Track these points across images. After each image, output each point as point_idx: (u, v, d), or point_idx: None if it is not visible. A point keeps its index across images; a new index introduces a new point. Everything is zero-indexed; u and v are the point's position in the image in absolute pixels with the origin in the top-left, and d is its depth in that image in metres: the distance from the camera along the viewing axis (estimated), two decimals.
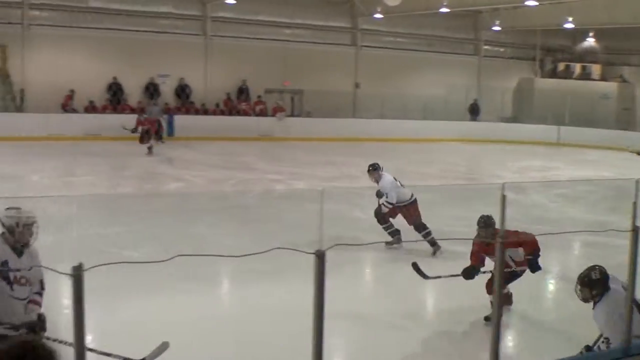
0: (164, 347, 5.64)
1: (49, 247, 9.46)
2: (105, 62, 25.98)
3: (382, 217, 10.46)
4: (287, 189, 16.45)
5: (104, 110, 25.83)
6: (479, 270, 7.36)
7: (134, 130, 20.68)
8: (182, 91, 27.58)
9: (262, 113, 28.51)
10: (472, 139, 28.68)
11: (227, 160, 21.36)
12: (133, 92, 26.60)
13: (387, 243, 10.27)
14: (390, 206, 10.41)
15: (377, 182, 10.56)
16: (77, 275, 3.20)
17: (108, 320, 6.70)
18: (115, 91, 26.27)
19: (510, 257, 7.20)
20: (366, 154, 21.97)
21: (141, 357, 5.41)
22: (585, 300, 5.75)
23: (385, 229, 10.42)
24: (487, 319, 7.16)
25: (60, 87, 24.86)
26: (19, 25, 25.10)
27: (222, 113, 28.03)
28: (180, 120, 25.94)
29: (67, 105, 25.33)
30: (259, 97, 28.72)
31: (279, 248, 3.85)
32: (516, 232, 7.00)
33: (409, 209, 10.46)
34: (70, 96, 25.36)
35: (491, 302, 6.85)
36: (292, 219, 11.60)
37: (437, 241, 10.17)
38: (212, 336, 6.71)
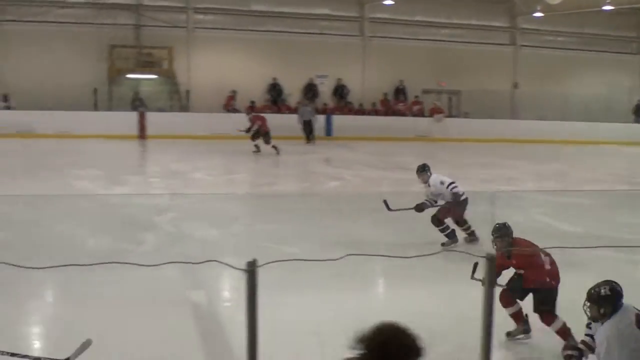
0: (86, 344, 5.52)
1: (214, 241, 9.86)
2: (265, 64, 26.66)
3: (437, 220, 10.08)
4: None
5: (263, 110, 26.46)
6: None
7: (248, 130, 20.82)
8: (340, 91, 27.85)
9: (419, 113, 28.32)
10: (636, 142, 27.25)
11: (384, 160, 21.35)
12: (293, 93, 27.14)
13: (443, 244, 9.83)
14: (435, 203, 10.16)
15: (426, 183, 10.23)
16: (251, 271, 3.26)
17: (268, 316, 6.81)
18: (275, 92, 26.89)
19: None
20: (527, 156, 21.49)
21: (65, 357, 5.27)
22: (594, 319, 5.07)
23: (442, 230, 10.07)
24: (509, 334, 6.63)
25: (223, 87, 25.78)
26: (184, 29, 26.25)
27: (379, 113, 28.06)
28: (337, 120, 26.23)
29: (229, 106, 26.19)
30: (416, 97, 28.57)
31: (446, 250, 3.78)
32: (529, 244, 6.62)
33: (457, 208, 10.14)
34: (232, 96, 26.21)
35: (511, 316, 6.56)
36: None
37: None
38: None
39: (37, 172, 15.90)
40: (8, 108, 24.11)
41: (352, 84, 28.05)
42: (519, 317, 6.62)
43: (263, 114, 21.76)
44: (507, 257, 6.39)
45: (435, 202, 10.16)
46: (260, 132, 20.46)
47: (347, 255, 3.74)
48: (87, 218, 10.64)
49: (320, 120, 25.23)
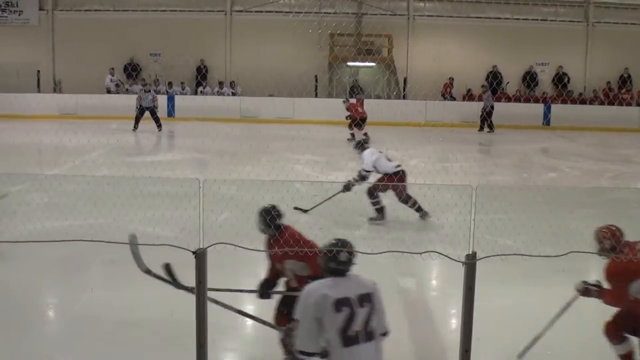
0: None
1: (429, 229, 9.93)
2: (484, 51, 26.32)
3: (370, 192, 10.67)
4: None
5: (481, 98, 26.12)
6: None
7: (348, 117, 20.82)
8: (561, 80, 26.87)
9: None
10: None
11: (604, 152, 20.44)
12: (512, 81, 26.57)
13: (371, 219, 10.59)
14: (367, 174, 10.81)
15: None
16: (471, 264, 3.30)
17: (482, 307, 6.79)
18: (493, 80, 26.43)
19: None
20: None
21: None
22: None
23: (373, 204, 10.65)
24: None
25: (440, 75, 25.73)
26: (404, 17, 26.44)
27: (602, 102, 26.79)
28: (556, 109, 25.36)
29: (446, 93, 26.10)
30: None
31: None
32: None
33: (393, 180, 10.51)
34: (450, 84, 26.09)
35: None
36: None
37: None
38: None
39: (259, 156, 16.71)
40: (234, 94, 25.54)
41: (573, 72, 26.98)
42: None
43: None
44: None
45: (365, 178, 10.81)
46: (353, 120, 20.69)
47: (570, 252, 3.67)
48: (305, 202, 11.05)
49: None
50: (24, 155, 17.49)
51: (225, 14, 26.94)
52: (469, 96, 26.27)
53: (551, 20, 26.83)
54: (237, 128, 22.26)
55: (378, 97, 25.61)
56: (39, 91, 26.71)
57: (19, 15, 27.91)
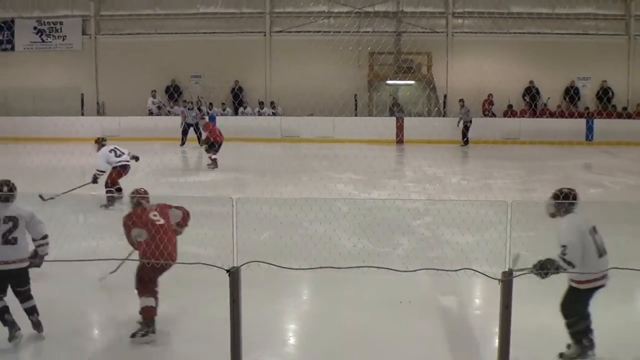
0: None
1: (469, 247, 9.86)
2: (524, 66, 26.12)
3: (106, 183, 13.59)
4: None
5: (522, 114, 25.93)
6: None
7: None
8: (605, 94, 26.53)
9: None
10: None
11: None
12: (553, 96, 26.33)
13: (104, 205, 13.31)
14: (101, 174, 13.63)
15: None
16: (507, 282, 3.31)
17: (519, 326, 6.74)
18: (532, 95, 26.24)
19: None
20: None
21: None
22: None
23: (109, 192, 13.36)
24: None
25: (480, 91, 25.64)
26: (443, 34, 26.44)
27: None
28: (599, 124, 25.07)
29: (486, 110, 25.98)
30: None
31: None
32: None
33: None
34: (489, 100, 25.96)
35: None
36: None
37: None
38: None
39: (300, 175, 16.79)
40: (275, 114, 25.71)
41: (615, 86, 26.64)
42: None
43: None
44: None
45: (103, 171, 13.62)
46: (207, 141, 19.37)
47: (612, 268, 3.64)
48: (345, 220, 11.07)
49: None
50: (69, 176, 17.76)
51: (265, 34, 27.19)
52: (510, 112, 26.07)
53: (592, 34, 26.57)
54: (277, 148, 22.46)
55: (418, 114, 25.57)
56: (82, 114, 27.23)
57: (63, 40, 28.52)
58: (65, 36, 28.53)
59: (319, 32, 26.30)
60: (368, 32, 25.58)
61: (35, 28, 28.57)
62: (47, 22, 28.52)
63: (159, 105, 26.60)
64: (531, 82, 26.17)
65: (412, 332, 6.92)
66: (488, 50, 26.18)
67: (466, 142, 24.18)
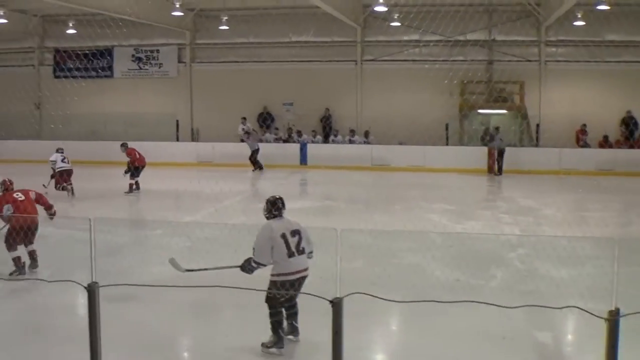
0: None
1: (565, 281, 9.68)
2: (620, 95, 25.42)
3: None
4: None
5: (617, 145, 25.29)
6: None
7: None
8: None
9: None
10: None
11: None
12: None
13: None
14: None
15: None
16: (614, 321, 3.27)
17: None
18: (629, 125, 25.53)
19: None
20: None
21: None
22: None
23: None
24: None
25: (574, 121, 25.15)
26: (536, 62, 26.09)
27: None
28: None
29: (580, 140, 25.46)
30: None
31: None
32: None
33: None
34: (583, 130, 25.44)
35: None
36: None
37: None
38: None
39: (391, 204, 16.82)
40: (367, 142, 25.83)
41: None
42: None
43: None
44: None
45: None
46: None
47: None
48: (438, 251, 11.04)
49: None
50: (164, 200, 18.30)
51: (356, 63, 27.39)
52: (605, 143, 25.46)
53: None
54: (368, 176, 22.54)
55: (510, 144, 25.22)
56: (177, 139, 27.93)
57: (160, 67, 29.41)
58: (162, 64, 29.40)
59: (410, 60, 26.38)
60: (459, 60, 25.47)
61: (133, 55, 29.56)
62: (145, 50, 29.47)
63: (249, 132, 27.06)
64: (628, 112, 25.44)
65: None
66: (582, 78, 25.66)
67: (500, 171, 23.76)
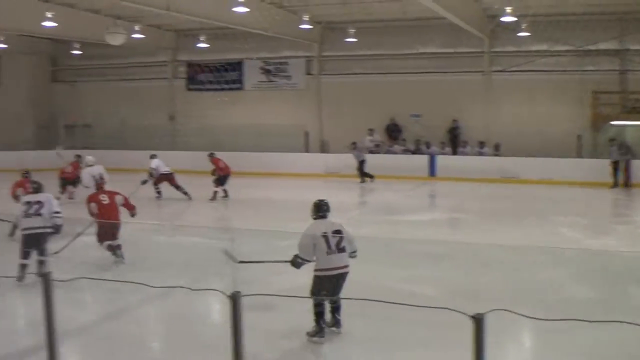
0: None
1: None
2: None
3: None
4: None
5: None
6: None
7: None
8: None
9: None
10: None
11: None
12: None
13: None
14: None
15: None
16: None
17: None
18: None
19: None
20: None
21: None
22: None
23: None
24: None
25: None
26: None
27: None
28: None
29: None
30: None
31: None
32: None
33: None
34: None
35: None
36: None
37: None
38: None
39: (522, 217, 16.63)
40: (497, 155, 25.55)
41: None
42: None
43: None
44: None
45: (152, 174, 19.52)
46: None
47: None
48: (573, 267, 10.89)
49: None
50: (291, 211, 18.72)
51: (484, 74, 27.13)
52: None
53: None
54: (497, 188, 22.32)
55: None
56: (306, 150, 28.49)
57: (289, 80, 30.06)
58: (290, 76, 30.04)
59: (540, 71, 25.92)
60: (590, 70, 24.88)
61: (262, 68, 30.32)
62: (274, 63, 30.18)
63: (377, 144, 27.23)
64: None
65: None
66: None
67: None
